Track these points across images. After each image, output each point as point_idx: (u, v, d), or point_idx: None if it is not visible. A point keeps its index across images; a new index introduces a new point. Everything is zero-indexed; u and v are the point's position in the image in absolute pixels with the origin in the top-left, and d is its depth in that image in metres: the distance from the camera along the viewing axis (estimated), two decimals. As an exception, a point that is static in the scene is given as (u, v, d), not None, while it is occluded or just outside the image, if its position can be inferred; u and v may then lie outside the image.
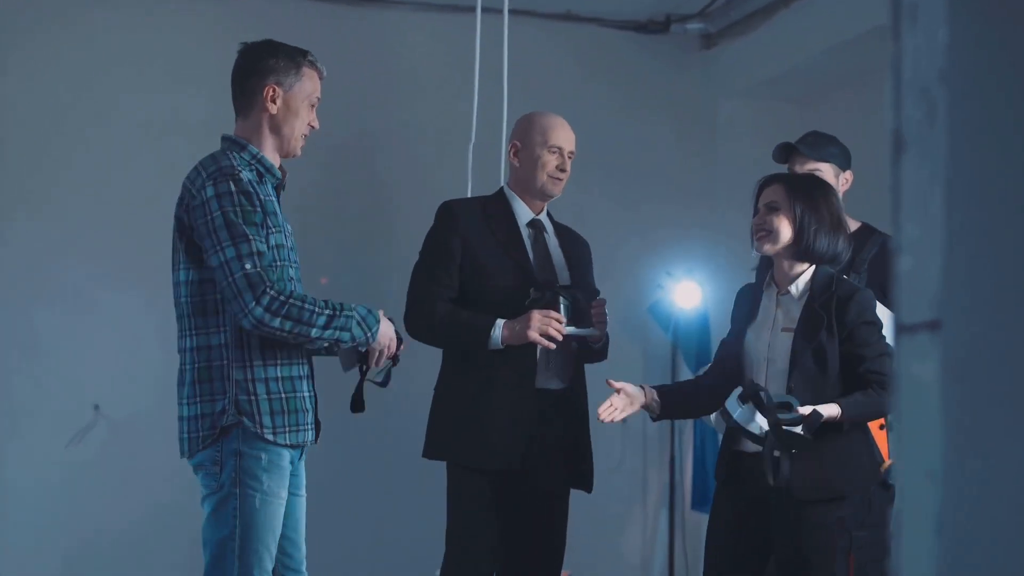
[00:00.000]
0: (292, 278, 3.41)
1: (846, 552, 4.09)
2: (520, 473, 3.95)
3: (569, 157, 4.12)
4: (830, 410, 3.56)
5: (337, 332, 3.33)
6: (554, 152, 4.08)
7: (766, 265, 3.93)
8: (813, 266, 3.75)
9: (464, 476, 4.00)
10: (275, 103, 3.42)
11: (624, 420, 6.57)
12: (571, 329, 3.95)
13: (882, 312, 4.17)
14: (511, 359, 3.92)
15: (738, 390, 3.62)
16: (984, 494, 1.13)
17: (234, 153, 3.39)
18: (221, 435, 3.29)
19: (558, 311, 3.91)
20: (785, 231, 3.71)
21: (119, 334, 6.02)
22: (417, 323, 4.00)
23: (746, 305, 3.89)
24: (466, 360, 4.01)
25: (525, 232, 4.11)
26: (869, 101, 6.37)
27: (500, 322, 3.89)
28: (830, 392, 3.63)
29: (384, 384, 3.58)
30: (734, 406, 3.61)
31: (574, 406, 4.06)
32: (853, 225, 4.35)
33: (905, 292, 1.17)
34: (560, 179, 4.10)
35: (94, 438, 5.97)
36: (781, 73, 6.41)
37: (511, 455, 3.92)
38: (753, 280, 4.12)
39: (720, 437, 3.92)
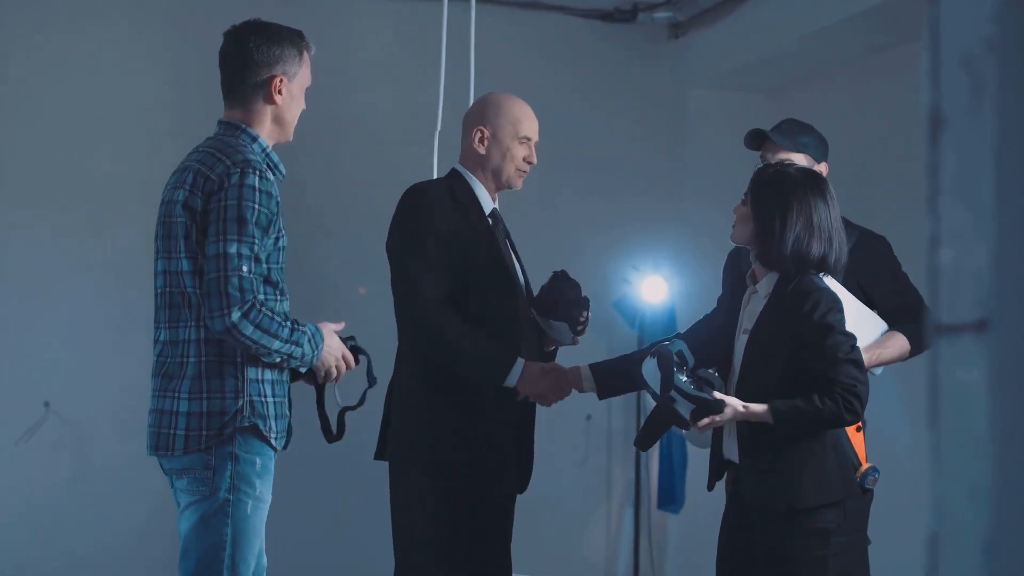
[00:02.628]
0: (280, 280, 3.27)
1: (824, 559, 3.98)
2: (478, 475, 3.77)
3: (534, 147, 3.95)
4: (755, 409, 3.29)
5: (291, 347, 3.17)
6: (524, 143, 3.88)
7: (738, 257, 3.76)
8: None
9: (419, 478, 3.78)
10: (281, 94, 3.29)
11: (588, 417, 6.53)
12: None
13: (852, 303, 4.05)
14: None
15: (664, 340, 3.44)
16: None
17: (247, 144, 3.24)
18: (225, 437, 3.12)
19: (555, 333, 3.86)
20: (745, 226, 3.42)
21: (72, 328, 5.87)
22: (435, 350, 3.72)
23: (734, 280, 3.70)
24: (424, 359, 3.77)
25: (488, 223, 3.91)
26: (842, 91, 6.28)
27: (520, 363, 3.68)
28: (781, 396, 3.34)
29: (359, 405, 3.41)
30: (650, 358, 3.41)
31: (525, 403, 3.84)
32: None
33: (946, 288, 1.04)
34: (526, 171, 3.92)
35: (44, 435, 5.80)
36: (751, 63, 6.31)
37: (468, 455, 3.73)
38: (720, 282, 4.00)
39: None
